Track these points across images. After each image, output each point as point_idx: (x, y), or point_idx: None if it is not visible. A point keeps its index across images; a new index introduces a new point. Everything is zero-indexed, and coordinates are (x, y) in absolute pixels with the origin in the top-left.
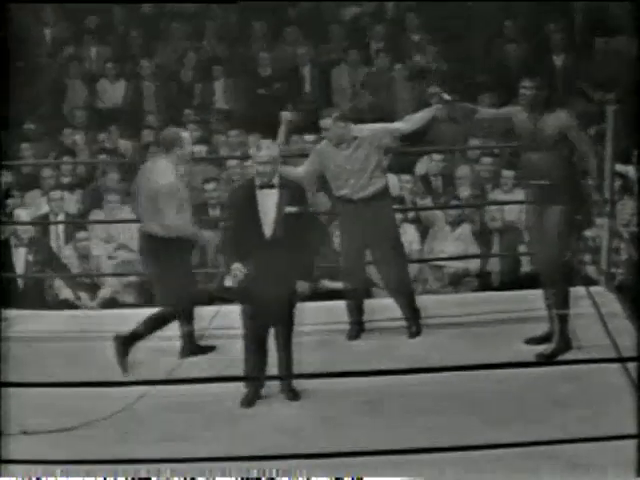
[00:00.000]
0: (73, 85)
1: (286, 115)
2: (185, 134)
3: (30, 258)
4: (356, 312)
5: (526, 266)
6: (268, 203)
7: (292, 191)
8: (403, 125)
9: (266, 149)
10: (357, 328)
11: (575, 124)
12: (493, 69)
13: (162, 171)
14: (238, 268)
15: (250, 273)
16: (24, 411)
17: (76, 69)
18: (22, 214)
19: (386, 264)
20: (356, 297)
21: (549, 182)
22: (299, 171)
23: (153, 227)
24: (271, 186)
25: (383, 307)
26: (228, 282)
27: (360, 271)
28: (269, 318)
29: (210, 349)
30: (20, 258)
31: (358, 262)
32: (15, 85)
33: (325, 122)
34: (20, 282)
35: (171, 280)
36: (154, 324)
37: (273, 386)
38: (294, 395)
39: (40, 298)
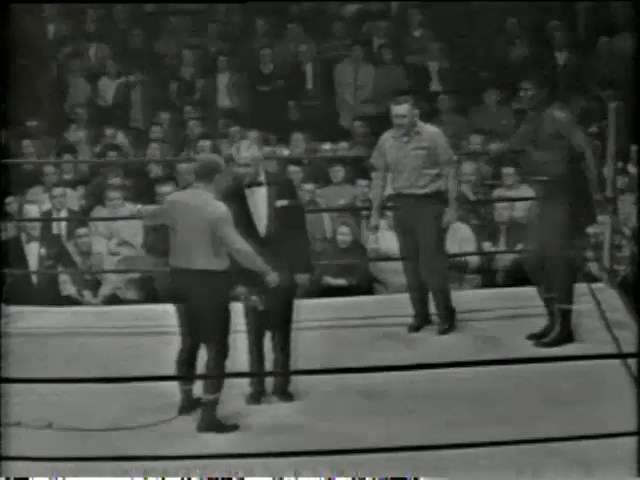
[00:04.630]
0: (75, 83)
1: None
2: (222, 160)
3: (43, 253)
4: (420, 304)
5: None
6: (258, 201)
7: (281, 186)
8: (453, 167)
9: (245, 151)
10: (419, 320)
11: (570, 122)
12: (496, 66)
13: (210, 202)
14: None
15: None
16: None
17: (78, 66)
18: (31, 209)
19: (425, 262)
20: (417, 290)
21: (548, 178)
22: (376, 184)
23: (202, 261)
24: (258, 184)
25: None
26: None
27: (416, 264)
28: (267, 315)
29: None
30: (33, 253)
31: (414, 255)
32: (17, 82)
33: (402, 108)
34: (34, 277)
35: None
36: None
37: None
38: (287, 397)
39: (54, 293)
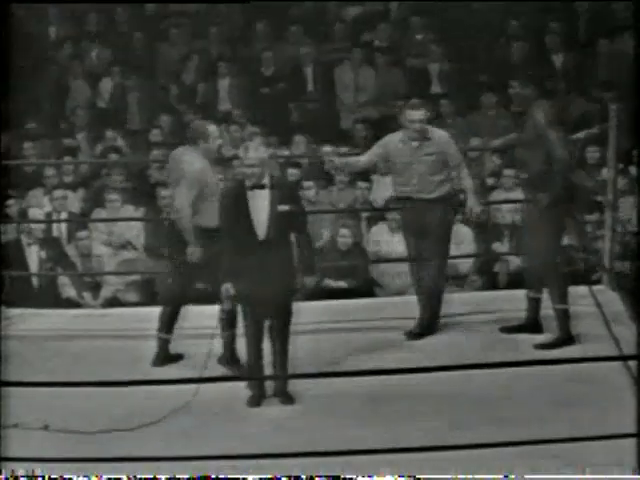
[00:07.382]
0: (76, 85)
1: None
2: (212, 127)
3: (43, 255)
4: (428, 307)
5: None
6: (260, 203)
7: (284, 190)
8: (464, 168)
9: (254, 151)
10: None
11: (546, 122)
12: (496, 68)
13: (188, 159)
14: (227, 288)
15: (241, 291)
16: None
17: (79, 68)
18: (36, 213)
19: (431, 266)
20: (425, 294)
21: (528, 176)
22: (360, 159)
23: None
24: (262, 186)
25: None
26: None
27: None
28: (265, 318)
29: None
30: (33, 256)
31: (423, 259)
32: (18, 84)
33: (417, 113)
34: (34, 280)
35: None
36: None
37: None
38: (288, 399)
39: (53, 296)
